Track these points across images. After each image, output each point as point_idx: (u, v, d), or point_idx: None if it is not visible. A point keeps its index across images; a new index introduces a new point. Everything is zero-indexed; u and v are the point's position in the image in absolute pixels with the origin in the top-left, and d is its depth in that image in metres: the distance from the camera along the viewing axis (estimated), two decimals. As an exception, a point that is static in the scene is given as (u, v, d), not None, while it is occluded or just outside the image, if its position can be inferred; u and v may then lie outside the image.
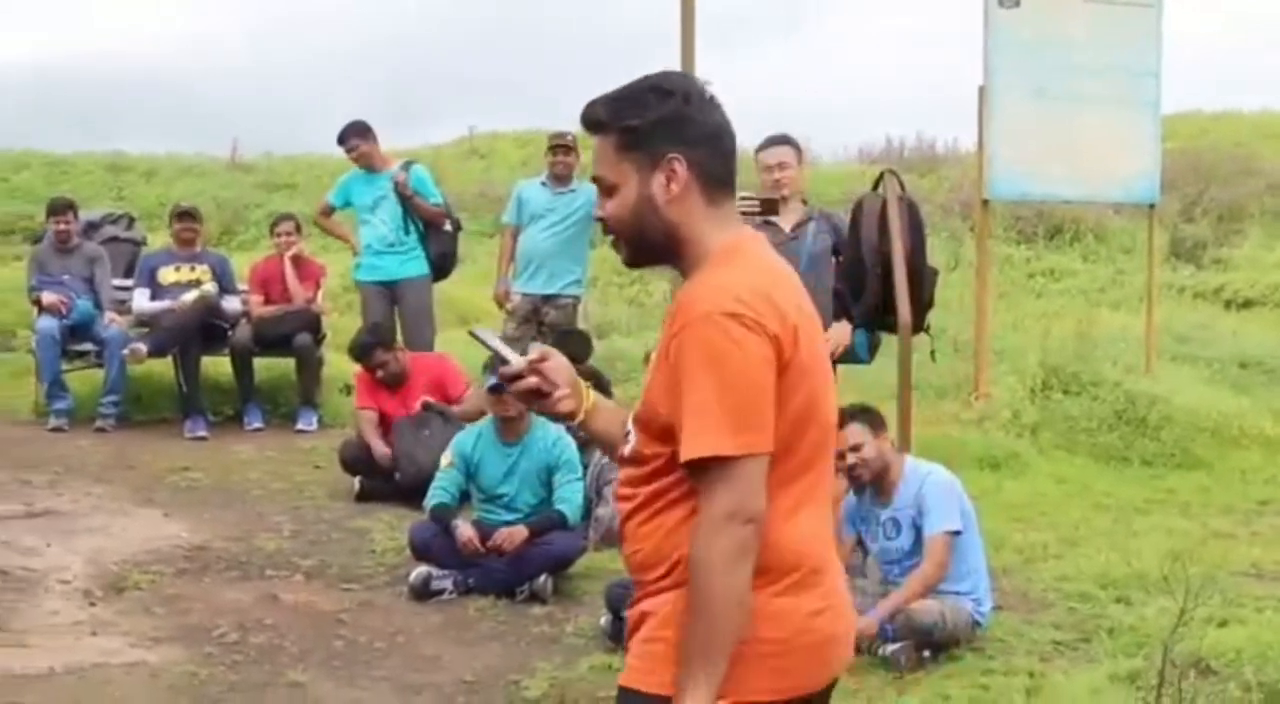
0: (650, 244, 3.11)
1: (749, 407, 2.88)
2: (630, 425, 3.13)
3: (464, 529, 7.94)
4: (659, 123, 3.03)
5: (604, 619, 7.19)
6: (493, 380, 3.50)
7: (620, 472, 3.16)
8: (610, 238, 3.18)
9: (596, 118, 3.09)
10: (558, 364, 3.24)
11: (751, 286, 2.95)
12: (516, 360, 3.22)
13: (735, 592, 2.88)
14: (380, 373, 10.32)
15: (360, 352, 10.42)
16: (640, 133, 3.04)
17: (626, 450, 3.10)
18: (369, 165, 11.81)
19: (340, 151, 12.05)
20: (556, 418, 3.31)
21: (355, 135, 11.78)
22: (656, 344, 3.10)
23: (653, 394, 3.01)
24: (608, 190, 3.09)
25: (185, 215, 12.64)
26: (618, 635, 6.71)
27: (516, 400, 3.30)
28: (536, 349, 3.27)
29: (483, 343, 3.29)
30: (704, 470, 2.88)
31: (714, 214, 3.08)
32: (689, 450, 2.88)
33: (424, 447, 9.67)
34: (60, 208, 12.60)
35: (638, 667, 3.06)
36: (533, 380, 3.21)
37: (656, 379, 3.01)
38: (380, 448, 10.04)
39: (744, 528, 2.87)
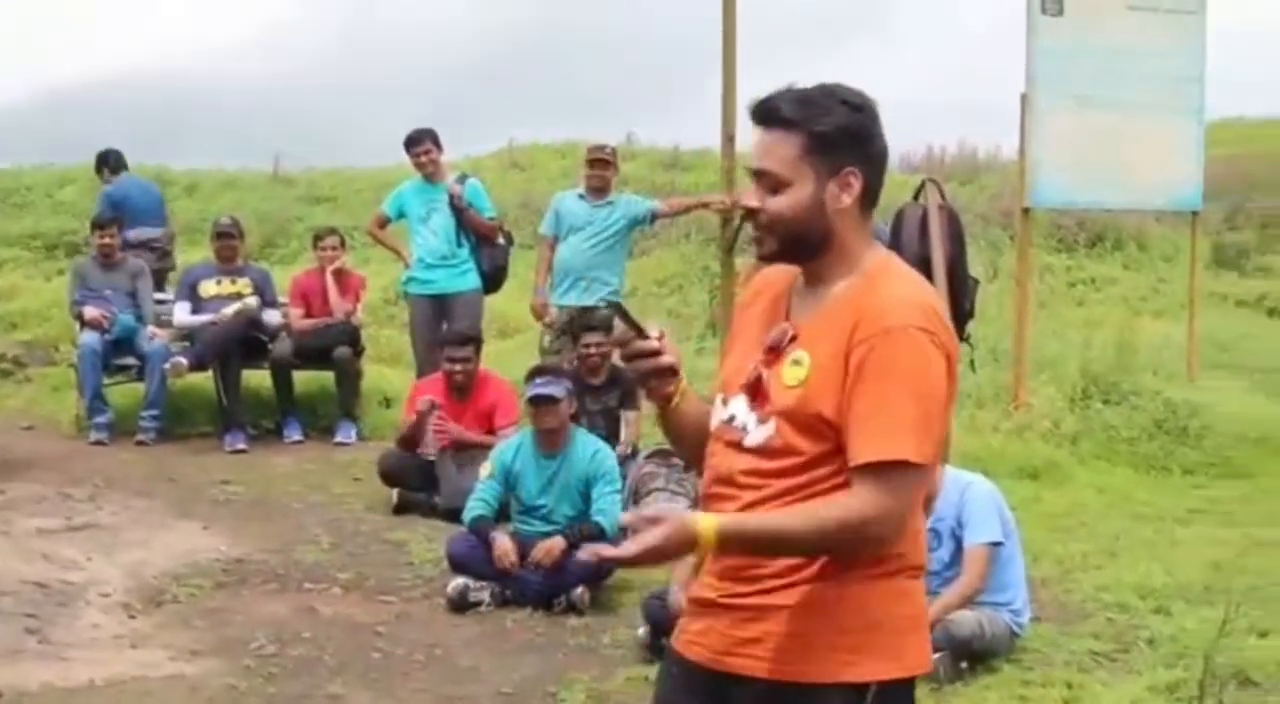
0: (804, 244, 3.15)
1: (934, 420, 3.02)
2: (745, 414, 3.16)
3: (502, 541, 7.95)
4: (847, 134, 3.10)
5: (641, 631, 7.19)
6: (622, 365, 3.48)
7: (731, 459, 3.17)
8: (752, 227, 3.20)
9: (781, 115, 3.11)
10: (672, 345, 3.28)
11: (933, 305, 3.09)
12: (654, 335, 3.22)
13: (829, 548, 3.02)
14: (459, 372, 10.15)
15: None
16: (829, 140, 3.09)
17: (756, 440, 3.13)
18: (432, 174, 11.84)
19: (389, 160, 12.02)
20: (660, 399, 3.31)
21: (430, 140, 11.79)
22: (784, 338, 3.15)
23: (814, 391, 3.05)
24: (775, 185, 3.12)
25: (224, 235, 12.67)
26: (655, 647, 6.71)
27: (642, 376, 3.27)
28: (656, 328, 3.26)
29: (624, 315, 3.27)
30: (880, 470, 2.96)
31: (864, 227, 3.19)
32: (877, 451, 2.96)
33: (467, 478, 9.19)
34: (104, 223, 12.66)
35: (828, 658, 3.08)
36: (668, 358, 3.24)
37: (821, 378, 3.05)
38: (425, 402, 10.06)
39: (885, 530, 2.98)
